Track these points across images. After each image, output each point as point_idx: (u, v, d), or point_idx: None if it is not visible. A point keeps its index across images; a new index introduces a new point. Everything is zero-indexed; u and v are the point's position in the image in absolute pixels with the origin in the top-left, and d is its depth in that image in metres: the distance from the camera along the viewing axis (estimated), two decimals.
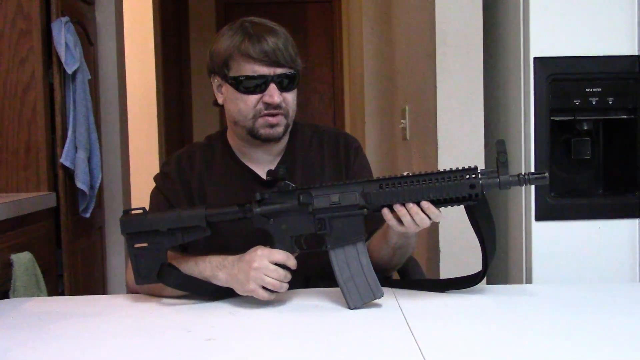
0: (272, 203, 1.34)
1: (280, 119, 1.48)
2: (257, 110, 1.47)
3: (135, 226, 1.36)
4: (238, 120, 1.50)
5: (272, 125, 1.47)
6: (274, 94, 1.45)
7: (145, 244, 1.36)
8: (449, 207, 1.31)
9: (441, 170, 1.29)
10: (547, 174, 1.27)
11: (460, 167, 1.28)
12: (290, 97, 1.49)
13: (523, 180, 1.27)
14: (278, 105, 1.46)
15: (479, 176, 1.27)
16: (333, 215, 1.32)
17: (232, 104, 1.50)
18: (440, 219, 1.30)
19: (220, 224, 1.37)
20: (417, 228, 1.30)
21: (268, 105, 1.46)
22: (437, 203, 1.29)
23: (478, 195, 1.27)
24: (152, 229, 1.35)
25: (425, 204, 1.28)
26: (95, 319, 1.33)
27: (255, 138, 1.50)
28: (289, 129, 1.54)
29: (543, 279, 1.78)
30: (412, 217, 1.29)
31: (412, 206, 1.28)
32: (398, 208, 1.29)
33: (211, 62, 1.52)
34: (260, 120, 1.47)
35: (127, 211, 1.38)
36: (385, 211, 1.30)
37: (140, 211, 1.38)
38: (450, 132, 1.96)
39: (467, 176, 1.27)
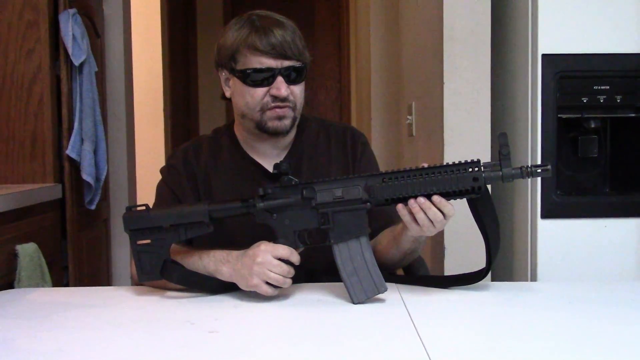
0: (275, 198, 1.34)
1: (287, 111, 1.48)
2: (265, 103, 1.46)
3: (138, 223, 1.36)
4: (246, 114, 1.50)
5: (280, 118, 1.47)
6: (281, 86, 1.45)
7: (148, 241, 1.36)
8: (452, 200, 1.30)
9: (444, 163, 1.29)
10: (549, 166, 1.25)
11: (463, 161, 1.28)
12: (298, 90, 1.49)
13: (526, 172, 1.26)
14: (285, 98, 1.46)
15: (482, 169, 1.27)
16: (336, 209, 1.32)
17: (240, 97, 1.49)
18: (453, 213, 1.28)
19: (224, 218, 1.37)
20: (431, 227, 1.29)
21: (275, 98, 1.45)
22: (441, 196, 1.28)
23: (481, 188, 1.27)
24: (155, 225, 1.36)
25: (436, 198, 1.27)
26: (99, 310, 1.34)
27: (263, 131, 1.50)
28: (297, 122, 1.54)
29: (548, 276, 1.78)
30: (425, 214, 1.28)
31: (424, 201, 1.27)
32: (412, 204, 1.28)
33: (218, 56, 1.52)
34: (269, 113, 1.47)
35: (130, 208, 1.38)
36: (400, 207, 1.29)
37: (144, 207, 1.38)
38: (457, 128, 1.96)
39: (470, 169, 1.27)
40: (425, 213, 1.28)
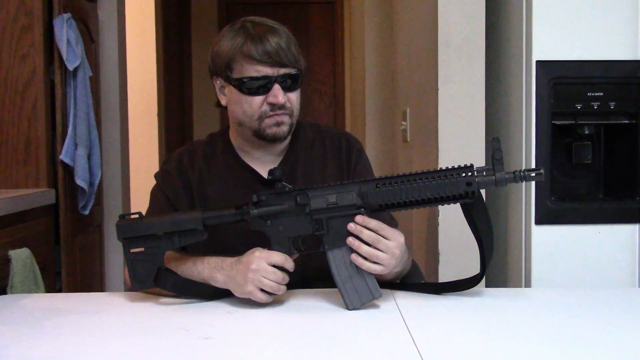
0: (269, 205, 1.33)
1: (285, 118, 1.48)
2: (263, 112, 1.46)
3: (131, 231, 1.36)
4: (243, 122, 1.50)
5: (278, 124, 1.47)
6: (278, 94, 1.45)
7: (142, 249, 1.36)
8: (446, 205, 1.31)
9: (437, 168, 1.29)
10: (542, 170, 1.26)
11: (456, 166, 1.28)
12: (294, 96, 1.49)
13: (519, 176, 1.26)
14: (283, 105, 1.46)
15: (475, 174, 1.27)
16: (330, 215, 1.32)
17: (237, 106, 1.49)
18: (378, 226, 1.30)
19: (218, 225, 1.36)
20: (381, 254, 1.29)
21: (273, 106, 1.46)
22: (434, 201, 1.29)
23: (475, 193, 1.27)
24: (149, 233, 1.35)
25: (359, 217, 1.29)
26: (93, 316, 1.33)
27: (262, 138, 1.50)
28: (293, 129, 1.54)
29: (542, 282, 1.78)
30: (367, 243, 1.29)
31: (354, 227, 1.29)
32: (349, 241, 1.30)
33: (213, 64, 1.52)
34: (267, 120, 1.47)
35: (123, 216, 1.38)
36: (353, 256, 1.31)
37: (137, 216, 1.37)
38: (451, 134, 1.96)
39: (464, 174, 1.27)
40: (364, 245, 1.29)
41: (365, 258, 1.30)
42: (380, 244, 1.29)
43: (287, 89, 1.46)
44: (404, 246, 1.34)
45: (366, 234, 1.29)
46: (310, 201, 1.32)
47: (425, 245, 2.13)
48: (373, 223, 1.30)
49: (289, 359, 1.07)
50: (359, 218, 1.29)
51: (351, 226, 1.30)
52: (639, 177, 1.76)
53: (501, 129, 1.97)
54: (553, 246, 1.78)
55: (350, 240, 1.30)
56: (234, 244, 1.41)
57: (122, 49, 3.33)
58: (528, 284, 1.80)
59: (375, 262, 1.30)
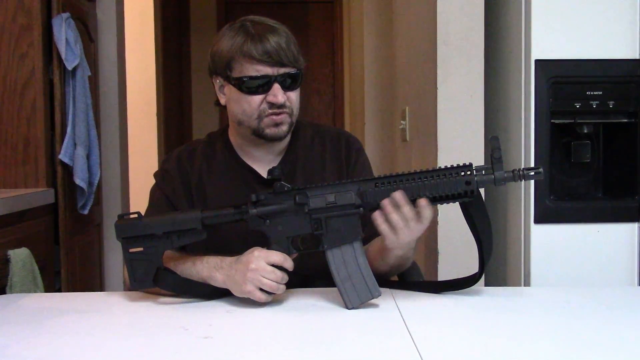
0: (268, 204, 1.33)
1: (284, 117, 1.48)
2: (262, 110, 1.46)
3: (130, 230, 1.36)
4: (242, 121, 1.50)
5: (277, 124, 1.47)
6: (277, 93, 1.45)
7: (141, 248, 1.36)
8: (445, 204, 1.31)
9: (436, 167, 1.29)
10: (541, 169, 1.26)
11: (455, 164, 1.28)
12: (294, 96, 1.49)
13: (518, 175, 1.26)
14: (282, 104, 1.46)
15: (474, 173, 1.27)
16: (329, 215, 1.32)
17: (236, 105, 1.49)
18: (430, 217, 1.29)
19: (217, 224, 1.36)
20: (405, 230, 1.29)
21: (272, 105, 1.46)
22: (433, 200, 1.29)
23: (474, 192, 1.27)
24: (148, 233, 1.35)
25: (422, 201, 1.27)
26: (92, 316, 1.33)
27: (261, 138, 1.50)
28: (292, 128, 1.54)
29: (541, 281, 1.78)
30: (398, 214, 1.28)
31: (400, 197, 1.27)
32: (385, 203, 1.28)
33: (213, 63, 1.52)
34: (266, 120, 1.47)
35: (122, 215, 1.38)
36: (376, 213, 1.29)
37: (136, 215, 1.37)
38: (450, 133, 1.96)
39: (462, 173, 1.27)
40: (398, 213, 1.28)
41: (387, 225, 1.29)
42: (411, 222, 1.29)
43: (286, 88, 1.46)
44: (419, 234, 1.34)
45: (406, 210, 1.28)
46: (309, 200, 1.32)
47: (425, 244, 2.13)
48: (428, 212, 1.29)
49: (288, 358, 1.07)
50: (422, 201, 1.27)
51: (397, 194, 1.28)
52: (638, 176, 1.76)
53: (500, 128, 1.97)
54: (552, 245, 1.78)
55: (386, 202, 1.28)
56: (233, 243, 1.41)
57: (121, 49, 3.34)
58: (527, 283, 1.80)
59: (392, 229, 1.29)
